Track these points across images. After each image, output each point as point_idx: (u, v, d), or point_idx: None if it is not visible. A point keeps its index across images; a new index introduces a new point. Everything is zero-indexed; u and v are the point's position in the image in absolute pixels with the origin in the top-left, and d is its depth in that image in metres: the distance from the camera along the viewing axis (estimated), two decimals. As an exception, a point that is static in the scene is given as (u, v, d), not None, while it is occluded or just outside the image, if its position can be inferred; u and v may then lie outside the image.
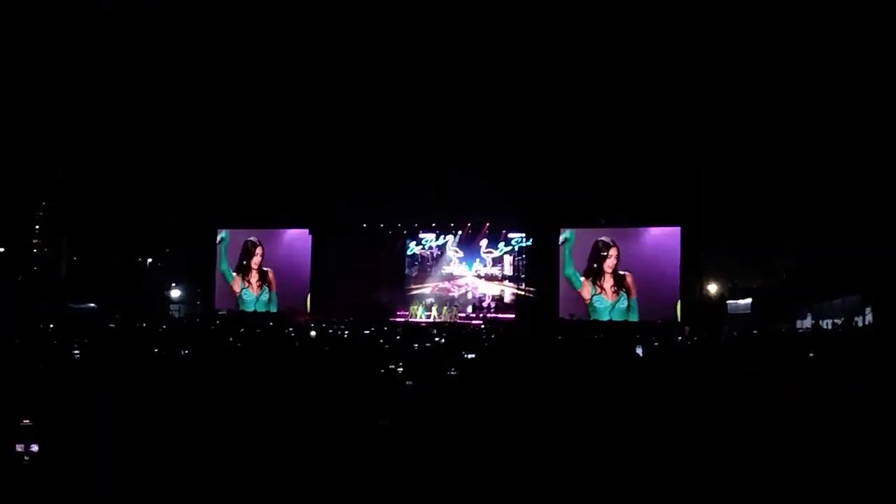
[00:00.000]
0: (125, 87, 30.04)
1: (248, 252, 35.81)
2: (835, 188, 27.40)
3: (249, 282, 35.63)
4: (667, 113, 27.57)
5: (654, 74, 27.51)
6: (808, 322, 28.34)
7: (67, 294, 30.87)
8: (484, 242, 34.36)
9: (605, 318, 30.33)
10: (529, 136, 29.11)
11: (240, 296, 35.64)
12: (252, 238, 35.76)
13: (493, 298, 34.36)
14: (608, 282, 31.02)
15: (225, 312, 33.89)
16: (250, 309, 35.01)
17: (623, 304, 30.68)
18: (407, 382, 7.50)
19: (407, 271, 35.76)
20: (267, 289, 35.40)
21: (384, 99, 30.51)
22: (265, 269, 35.59)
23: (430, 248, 35.26)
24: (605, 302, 30.88)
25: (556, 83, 28.38)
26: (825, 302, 28.23)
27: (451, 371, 8.48)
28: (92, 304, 30.15)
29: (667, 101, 27.65)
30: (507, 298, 34.30)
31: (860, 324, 24.54)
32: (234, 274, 35.83)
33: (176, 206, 33.22)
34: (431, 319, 32.73)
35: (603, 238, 31.16)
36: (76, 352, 9.52)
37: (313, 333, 17.96)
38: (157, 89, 30.47)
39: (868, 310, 25.04)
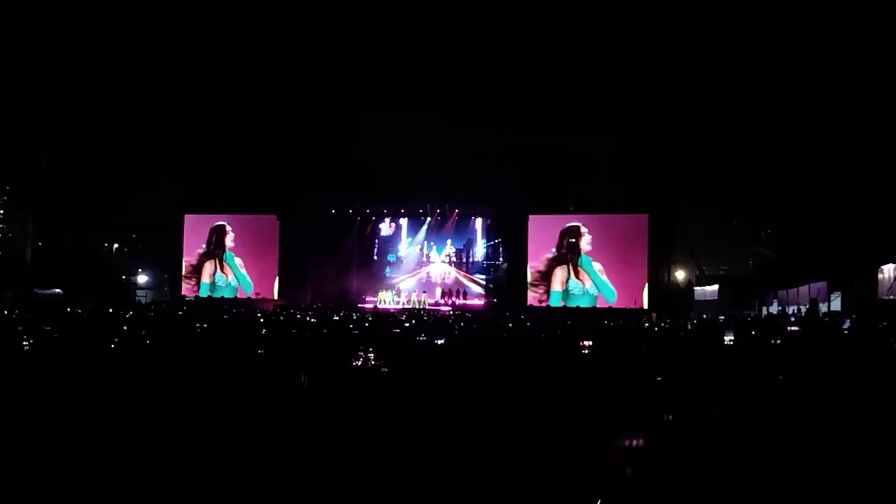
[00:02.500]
0: (98, 74, 29.69)
1: (219, 236, 35.44)
2: (805, 175, 27.70)
3: (222, 266, 35.32)
4: (639, 100, 27.70)
5: (628, 60, 27.52)
6: (774, 308, 28.68)
7: (33, 279, 30.37)
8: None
9: (586, 304, 30.47)
10: (500, 123, 29.12)
11: (213, 282, 35.29)
12: (221, 222, 35.37)
13: (462, 285, 34.46)
14: (581, 267, 31.21)
15: (193, 299, 33.66)
16: (229, 295, 34.69)
17: (594, 290, 30.89)
18: (382, 370, 7.48)
19: (375, 258, 35.84)
20: (236, 274, 35.12)
21: (355, 82, 30.36)
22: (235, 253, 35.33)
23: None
24: (580, 287, 31.07)
25: (525, 67, 28.33)
26: (791, 288, 28.56)
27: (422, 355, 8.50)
28: (58, 290, 29.70)
29: (641, 89, 27.73)
30: (476, 285, 34.39)
31: (825, 310, 24.80)
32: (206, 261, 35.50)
33: (144, 191, 32.88)
34: (400, 305, 32.78)
35: (572, 223, 31.29)
36: (24, 343, 9.25)
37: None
38: (130, 76, 30.12)
39: (833, 296, 25.34)
